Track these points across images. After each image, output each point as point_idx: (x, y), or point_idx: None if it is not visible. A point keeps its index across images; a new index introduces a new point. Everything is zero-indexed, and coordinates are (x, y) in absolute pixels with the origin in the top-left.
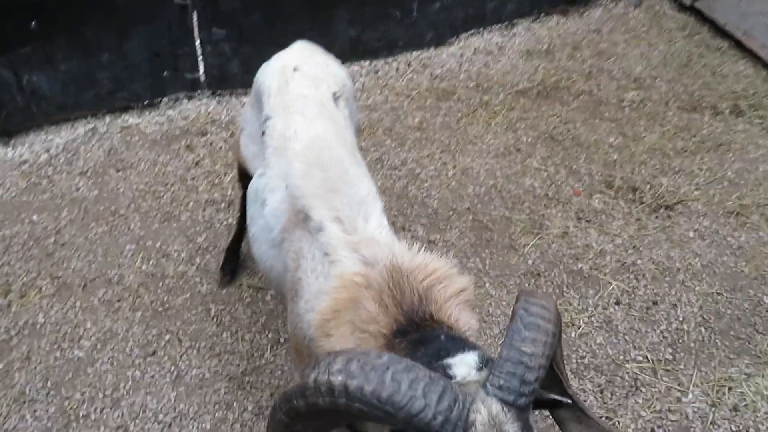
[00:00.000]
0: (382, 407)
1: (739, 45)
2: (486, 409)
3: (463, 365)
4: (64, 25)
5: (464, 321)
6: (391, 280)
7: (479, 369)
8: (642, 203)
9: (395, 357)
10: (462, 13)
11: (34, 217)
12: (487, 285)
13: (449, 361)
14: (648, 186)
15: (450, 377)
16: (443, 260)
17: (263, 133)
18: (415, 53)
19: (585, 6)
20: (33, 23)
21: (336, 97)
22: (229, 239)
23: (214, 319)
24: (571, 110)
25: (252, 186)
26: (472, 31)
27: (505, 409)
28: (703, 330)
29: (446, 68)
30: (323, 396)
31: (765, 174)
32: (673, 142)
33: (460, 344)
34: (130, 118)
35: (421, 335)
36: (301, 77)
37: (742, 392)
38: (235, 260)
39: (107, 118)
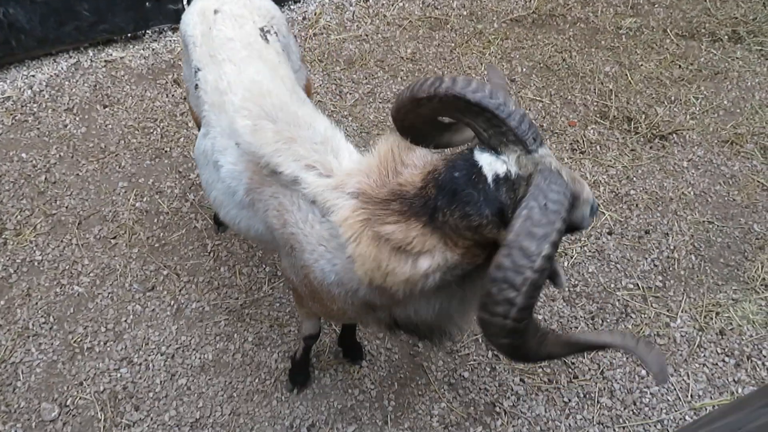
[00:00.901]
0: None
1: None
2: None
3: (486, 162)
4: None
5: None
6: (385, 193)
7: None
8: (637, 133)
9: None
10: None
11: (23, 155)
12: None
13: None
14: (643, 116)
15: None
16: (394, 145)
17: (196, 87)
18: None
19: None
20: None
21: (264, 32)
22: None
23: (211, 254)
24: (566, 39)
25: (198, 147)
26: None
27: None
28: (693, 258)
29: None
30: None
31: (761, 102)
32: (670, 71)
33: (463, 164)
34: (114, 52)
35: (440, 192)
36: (223, 19)
37: (728, 317)
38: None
39: (90, 52)
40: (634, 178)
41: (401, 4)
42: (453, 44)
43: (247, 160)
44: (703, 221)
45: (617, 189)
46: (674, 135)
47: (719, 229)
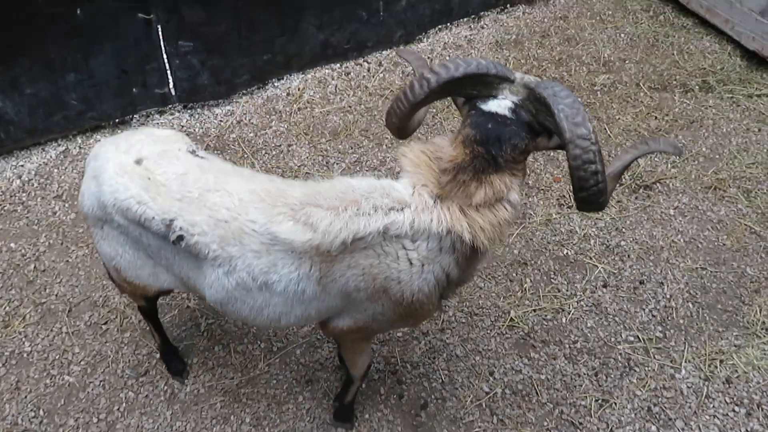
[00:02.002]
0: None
1: (703, 22)
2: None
3: (496, 106)
4: (26, 46)
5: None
6: (448, 179)
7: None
8: (621, 185)
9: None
10: (428, 9)
11: (12, 245)
12: (475, 278)
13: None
14: None
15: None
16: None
17: (180, 239)
18: (385, 52)
19: None
20: None
21: (195, 153)
22: (158, 345)
23: (205, 333)
24: None
25: (220, 289)
26: (440, 26)
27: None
28: (690, 306)
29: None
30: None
31: (738, 147)
32: (647, 122)
33: (484, 118)
34: (102, 138)
35: (487, 144)
36: (156, 161)
37: (733, 364)
38: (177, 358)
39: (79, 139)
40: (623, 229)
41: (382, 75)
42: (434, 110)
43: (310, 256)
44: (696, 268)
45: (608, 241)
46: (658, 184)
47: (713, 274)
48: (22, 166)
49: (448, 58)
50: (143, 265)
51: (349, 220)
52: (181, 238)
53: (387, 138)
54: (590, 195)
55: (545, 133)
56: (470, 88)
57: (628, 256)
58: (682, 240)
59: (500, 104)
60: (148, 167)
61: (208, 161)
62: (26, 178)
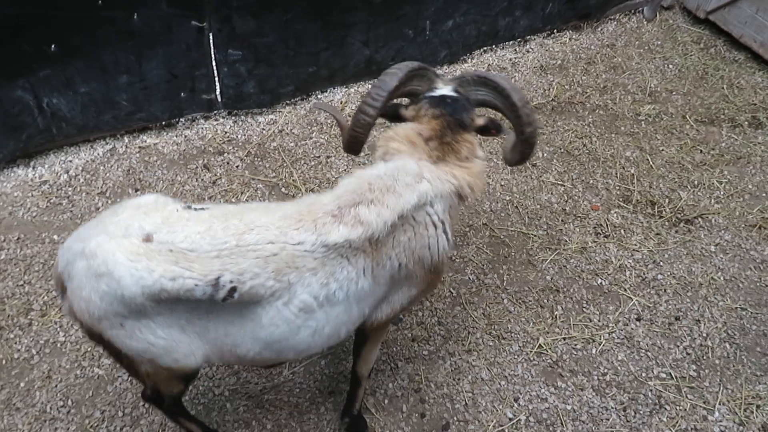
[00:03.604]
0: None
1: (756, 57)
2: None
3: (442, 92)
4: (83, 48)
5: None
6: (436, 146)
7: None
8: (661, 217)
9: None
10: (475, 31)
11: (55, 237)
12: (506, 301)
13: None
14: (667, 200)
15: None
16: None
17: (232, 292)
18: None
19: (598, 21)
20: (53, 47)
21: (190, 207)
22: None
23: None
24: (586, 125)
25: (282, 321)
26: (485, 48)
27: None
28: (727, 346)
29: None
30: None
31: None
32: (691, 156)
33: (442, 100)
34: (148, 138)
35: (455, 114)
36: (166, 230)
37: None
38: None
39: (126, 139)
40: (661, 263)
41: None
42: None
43: (363, 250)
44: (736, 308)
45: (644, 274)
46: (699, 219)
47: (753, 316)
48: (70, 161)
49: None
50: (179, 342)
51: (391, 204)
52: (233, 290)
53: None
54: (532, 144)
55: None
56: (416, 85)
57: (665, 290)
58: (722, 278)
59: (444, 90)
60: (163, 240)
61: (215, 208)
62: (73, 173)
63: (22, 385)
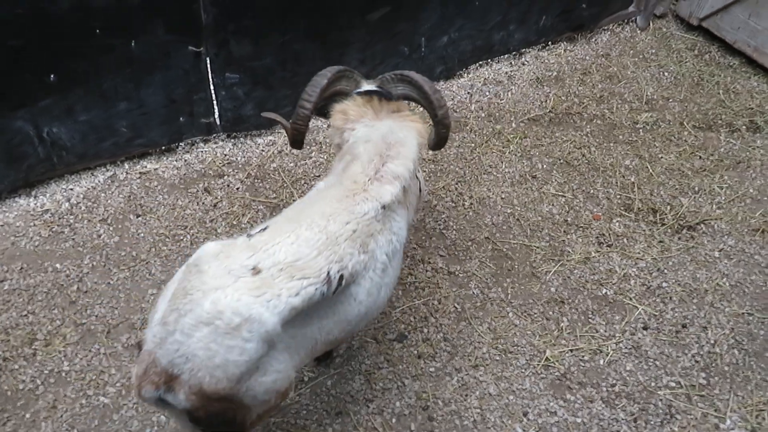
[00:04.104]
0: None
1: (750, 61)
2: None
3: (367, 88)
4: (82, 76)
5: None
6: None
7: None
8: (663, 225)
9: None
10: (470, 46)
11: (57, 266)
12: (510, 315)
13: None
14: (668, 207)
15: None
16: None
17: (341, 280)
18: None
19: (591, 32)
20: (52, 76)
21: (251, 235)
22: None
23: None
24: (584, 135)
25: (375, 286)
26: (481, 62)
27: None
28: (736, 352)
29: (457, 100)
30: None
31: None
32: (691, 162)
33: (368, 92)
34: (148, 164)
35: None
36: (265, 259)
37: None
38: None
39: (126, 165)
40: (665, 270)
41: (421, 109)
42: (473, 144)
43: (400, 202)
44: (743, 313)
45: (648, 282)
46: (702, 225)
47: (760, 321)
48: (71, 189)
49: (487, 94)
50: (291, 361)
51: (407, 154)
52: (341, 278)
53: (424, 171)
54: (447, 125)
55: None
56: (344, 85)
57: (670, 298)
58: (727, 283)
59: (369, 86)
60: (269, 264)
61: (273, 224)
62: (75, 201)
63: (27, 416)
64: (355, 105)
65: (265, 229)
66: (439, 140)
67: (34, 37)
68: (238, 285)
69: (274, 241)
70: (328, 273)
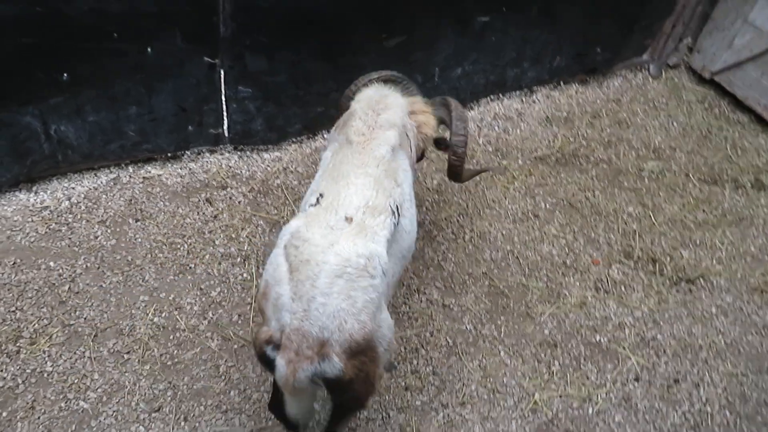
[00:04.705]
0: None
1: (759, 119)
2: None
3: None
4: (95, 78)
5: None
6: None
7: None
8: (662, 275)
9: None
10: (483, 80)
11: (51, 264)
12: (502, 353)
13: None
14: (668, 258)
15: None
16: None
17: (399, 210)
18: None
19: (604, 76)
20: (65, 75)
21: (314, 203)
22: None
23: (223, 377)
24: (590, 178)
25: (411, 226)
26: (492, 96)
27: None
28: (728, 413)
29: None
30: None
31: None
32: (694, 214)
33: None
34: (153, 169)
35: None
36: (345, 206)
37: None
38: None
39: (130, 168)
40: (661, 322)
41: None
42: (478, 178)
43: (401, 144)
44: (737, 373)
45: (643, 333)
46: (701, 279)
47: (754, 383)
48: (73, 188)
49: (496, 128)
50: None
51: (398, 103)
52: (397, 208)
53: (427, 201)
54: (459, 160)
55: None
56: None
57: (664, 351)
58: (723, 341)
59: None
60: (354, 213)
61: (326, 185)
62: (75, 200)
63: (4, 414)
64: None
65: (321, 196)
66: (450, 167)
67: (50, 36)
68: (346, 234)
69: (341, 196)
70: (389, 205)
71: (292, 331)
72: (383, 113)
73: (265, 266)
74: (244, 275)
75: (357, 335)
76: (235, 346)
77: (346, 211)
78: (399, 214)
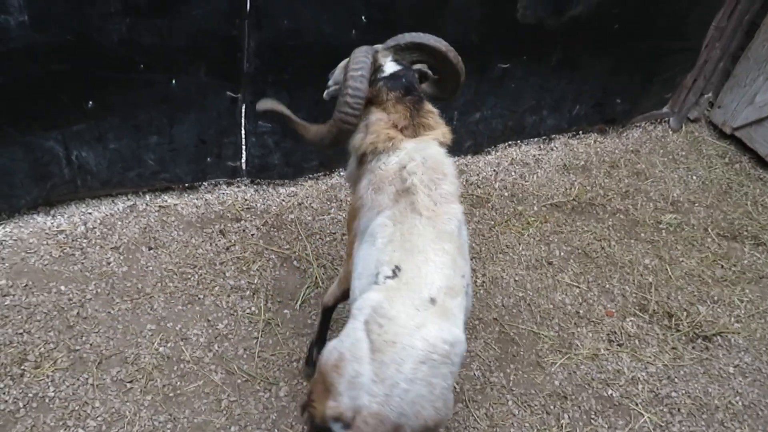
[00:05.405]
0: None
1: None
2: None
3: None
4: (119, 106)
5: None
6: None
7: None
8: (678, 331)
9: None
10: (501, 125)
11: (62, 288)
12: (510, 403)
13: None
14: (685, 313)
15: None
16: None
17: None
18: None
19: (623, 126)
20: (90, 103)
21: (389, 275)
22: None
23: (224, 411)
24: (606, 228)
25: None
26: (510, 142)
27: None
28: None
29: (482, 176)
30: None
31: None
32: (712, 270)
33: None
34: (169, 198)
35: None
36: (435, 284)
37: None
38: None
39: (147, 197)
40: (676, 379)
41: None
42: (492, 222)
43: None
44: None
45: (657, 389)
46: (718, 337)
47: None
48: (89, 213)
49: (513, 174)
50: None
51: (450, 173)
52: (467, 287)
53: None
54: (463, 75)
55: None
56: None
57: (678, 410)
58: (740, 403)
59: (390, 66)
60: (436, 294)
61: (400, 258)
62: (90, 226)
63: None
64: (385, 126)
65: (397, 268)
66: (455, 86)
67: (78, 64)
68: (431, 317)
69: (421, 273)
70: (463, 286)
71: (370, 415)
72: (443, 184)
73: (340, 337)
74: (252, 309)
75: (431, 422)
76: (239, 381)
77: (430, 291)
78: (468, 294)
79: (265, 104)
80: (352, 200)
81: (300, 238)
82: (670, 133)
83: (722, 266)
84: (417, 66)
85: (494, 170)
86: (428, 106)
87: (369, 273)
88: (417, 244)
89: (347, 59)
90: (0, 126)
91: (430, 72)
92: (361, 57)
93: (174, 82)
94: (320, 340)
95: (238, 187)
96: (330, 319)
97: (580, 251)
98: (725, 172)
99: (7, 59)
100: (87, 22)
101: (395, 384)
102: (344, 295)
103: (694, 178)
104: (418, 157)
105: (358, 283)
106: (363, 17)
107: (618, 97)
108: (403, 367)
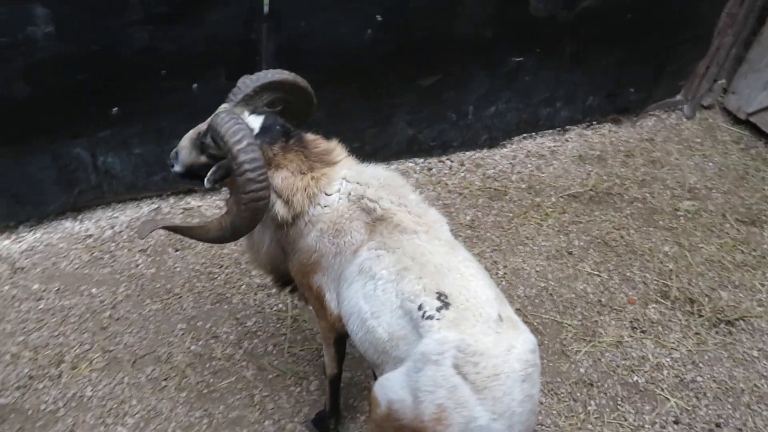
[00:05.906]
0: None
1: None
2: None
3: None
4: (143, 113)
5: None
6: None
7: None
8: (701, 316)
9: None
10: (516, 118)
11: (93, 290)
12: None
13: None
14: (707, 299)
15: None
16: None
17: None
18: (468, 153)
19: (637, 116)
20: (115, 109)
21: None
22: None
23: (257, 406)
24: (624, 216)
25: None
26: (525, 134)
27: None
28: None
29: (499, 169)
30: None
31: None
32: (732, 255)
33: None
34: (193, 201)
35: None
36: (486, 298)
37: None
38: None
39: (171, 200)
40: (701, 364)
41: (462, 174)
42: (511, 214)
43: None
44: None
45: (682, 374)
46: (741, 321)
47: None
48: (116, 217)
49: (529, 166)
50: None
51: (402, 184)
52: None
53: (461, 236)
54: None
55: None
56: None
57: (704, 394)
58: (765, 386)
59: (254, 120)
60: (495, 307)
61: (442, 281)
62: (118, 229)
63: None
64: (295, 176)
65: (443, 295)
66: (312, 104)
67: (102, 73)
68: (509, 334)
69: (470, 292)
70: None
71: None
72: (407, 195)
73: (421, 392)
74: (279, 306)
75: (533, 425)
76: (270, 376)
77: (491, 308)
78: None
79: (146, 229)
80: (299, 259)
81: None
82: (685, 120)
83: (742, 251)
84: (270, 107)
85: (510, 163)
86: (308, 136)
87: (392, 308)
88: (437, 263)
89: (190, 133)
90: (29, 135)
91: (279, 105)
92: (233, 125)
93: (194, 86)
94: (334, 412)
95: None
96: (339, 387)
97: (599, 240)
98: (741, 158)
99: (35, 70)
100: (110, 31)
101: (513, 413)
102: (339, 351)
103: (710, 164)
104: (373, 182)
105: (376, 322)
106: (378, 17)
107: (631, 87)
108: (515, 394)
